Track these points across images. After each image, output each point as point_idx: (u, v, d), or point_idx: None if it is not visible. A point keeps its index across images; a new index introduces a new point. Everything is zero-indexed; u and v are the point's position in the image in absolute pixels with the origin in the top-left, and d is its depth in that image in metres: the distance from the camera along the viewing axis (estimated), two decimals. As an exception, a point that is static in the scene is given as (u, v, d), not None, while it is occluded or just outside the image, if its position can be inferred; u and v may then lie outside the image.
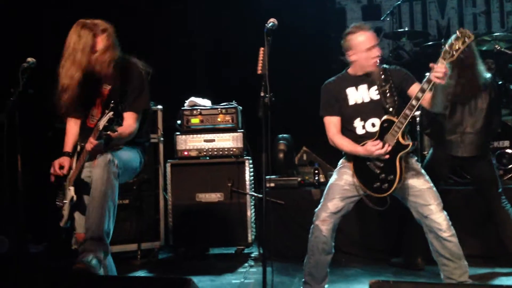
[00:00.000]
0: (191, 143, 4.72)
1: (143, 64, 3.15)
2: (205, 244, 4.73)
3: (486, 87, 3.77)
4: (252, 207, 4.65)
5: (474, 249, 4.00)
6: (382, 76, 3.16)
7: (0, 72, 4.29)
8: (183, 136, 4.73)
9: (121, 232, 4.43)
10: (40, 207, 4.92)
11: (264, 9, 5.53)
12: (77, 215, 3.11)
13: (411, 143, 3.05)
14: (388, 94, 3.12)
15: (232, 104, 4.79)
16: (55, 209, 3.23)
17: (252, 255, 4.61)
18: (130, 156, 3.15)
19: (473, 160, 3.82)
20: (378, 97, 3.17)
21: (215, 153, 4.68)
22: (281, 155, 4.80)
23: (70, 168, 3.14)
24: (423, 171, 3.20)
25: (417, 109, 3.04)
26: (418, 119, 4.40)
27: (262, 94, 2.82)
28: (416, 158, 3.26)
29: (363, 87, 3.21)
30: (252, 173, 4.70)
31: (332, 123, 3.24)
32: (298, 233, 4.27)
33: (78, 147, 3.12)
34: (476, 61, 3.72)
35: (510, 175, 4.50)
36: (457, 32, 2.85)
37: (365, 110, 3.19)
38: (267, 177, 2.81)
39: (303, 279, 3.25)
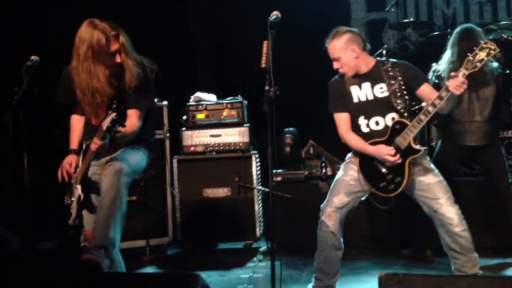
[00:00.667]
0: (197, 139, 4.71)
1: (148, 62, 3.14)
2: (213, 239, 4.73)
3: (493, 75, 3.73)
4: (260, 201, 4.64)
5: (485, 240, 3.98)
6: (390, 73, 3.12)
7: (4, 71, 4.30)
8: (189, 132, 4.73)
9: (129, 228, 4.42)
10: (49, 205, 4.95)
11: (267, 1, 5.50)
12: (85, 212, 3.11)
13: (422, 149, 3.02)
14: (398, 94, 3.08)
15: (238, 99, 4.78)
16: (64, 206, 3.24)
17: (261, 249, 4.61)
18: (137, 158, 3.16)
19: (482, 149, 3.79)
20: (383, 95, 3.12)
21: (222, 148, 4.67)
22: (287, 149, 4.78)
23: (77, 166, 3.13)
24: (432, 165, 3.17)
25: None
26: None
27: (266, 87, 2.80)
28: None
29: (366, 85, 3.18)
30: (259, 168, 4.69)
31: (341, 120, 3.22)
32: (305, 226, 4.27)
33: (84, 145, 3.12)
34: None
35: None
36: (482, 43, 2.82)
37: (369, 108, 3.16)
38: (274, 171, 2.80)
39: (314, 275, 3.23)
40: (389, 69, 3.14)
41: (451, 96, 2.92)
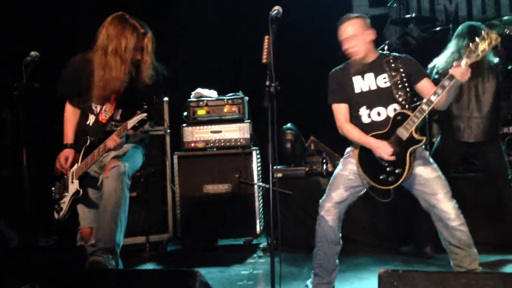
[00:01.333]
0: (197, 135, 4.70)
1: (161, 67, 3.16)
2: (213, 235, 4.73)
3: (492, 70, 3.72)
4: (260, 197, 4.63)
5: (484, 237, 3.97)
6: (392, 65, 3.11)
7: (4, 66, 4.30)
8: (190, 128, 4.72)
9: (129, 224, 4.38)
10: (49, 201, 4.95)
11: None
12: (81, 209, 3.09)
13: (424, 138, 3.01)
14: (400, 86, 3.07)
15: (239, 95, 4.77)
16: (51, 201, 3.19)
17: (261, 245, 4.61)
18: (137, 159, 3.17)
19: (482, 146, 3.77)
20: (386, 85, 3.11)
21: (222, 144, 4.66)
22: (288, 145, 4.77)
23: (73, 161, 3.11)
24: (431, 159, 3.16)
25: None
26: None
27: (267, 83, 2.79)
28: (423, 146, 3.22)
29: (369, 75, 3.16)
30: (259, 164, 4.68)
31: (340, 111, 3.20)
32: (306, 223, 4.26)
33: (88, 141, 3.07)
34: None
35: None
36: (483, 33, 2.84)
37: (371, 98, 3.14)
38: (274, 167, 2.79)
39: (313, 271, 3.23)
40: (391, 61, 3.14)
41: (453, 88, 2.91)
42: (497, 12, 5.87)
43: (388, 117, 3.11)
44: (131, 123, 2.83)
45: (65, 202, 3.03)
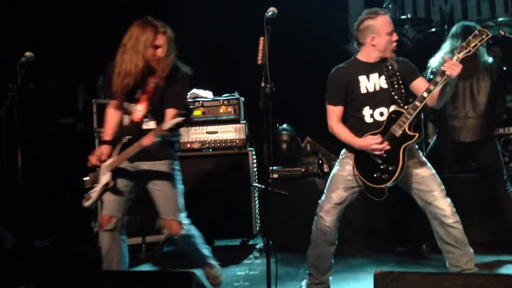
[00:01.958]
0: (193, 135, 4.70)
1: (187, 68, 3.26)
2: (209, 236, 4.70)
3: (487, 70, 3.73)
4: (256, 198, 4.63)
5: (480, 237, 3.98)
6: (390, 67, 3.13)
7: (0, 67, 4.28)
8: (185, 128, 4.71)
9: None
10: (45, 202, 4.94)
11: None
12: (106, 197, 3.23)
13: (417, 135, 3.02)
14: (396, 86, 3.09)
15: (234, 95, 4.76)
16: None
17: (257, 246, 4.61)
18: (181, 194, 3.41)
19: (477, 146, 3.78)
20: (386, 86, 3.13)
21: (218, 145, 4.66)
22: (284, 146, 4.77)
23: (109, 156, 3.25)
24: (424, 158, 3.18)
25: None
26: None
27: (262, 84, 2.79)
28: (417, 146, 3.23)
29: (374, 76, 3.16)
30: (255, 164, 4.68)
31: (334, 111, 3.20)
32: (302, 223, 4.23)
33: (124, 140, 3.19)
34: None
35: (515, 162, 4.45)
36: (476, 30, 2.89)
37: (375, 99, 3.14)
38: (270, 168, 2.79)
39: (307, 271, 3.23)
40: (389, 63, 3.15)
41: (447, 86, 2.93)
42: (492, 14, 5.89)
43: None
44: (167, 125, 2.96)
45: (95, 192, 3.19)
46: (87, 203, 3.21)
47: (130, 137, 3.16)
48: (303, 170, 4.71)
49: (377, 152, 3.02)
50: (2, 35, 5.03)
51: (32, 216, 3.85)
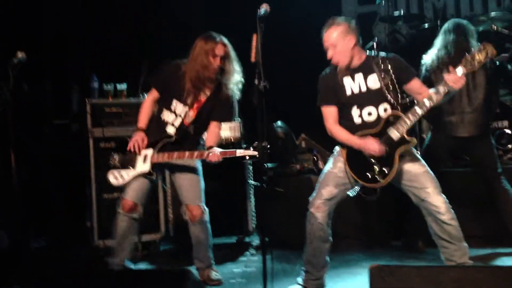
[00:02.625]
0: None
1: (239, 80, 3.47)
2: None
3: (483, 66, 3.75)
4: (252, 195, 4.63)
5: (475, 231, 4.00)
6: (382, 66, 3.12)
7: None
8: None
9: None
10: (40, 202, 4.93)
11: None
12: (135, 184, 3.43)
13: (414, 139, 3.05)
14: (391, 87, 3.09)
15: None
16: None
17: (253, 243, 4.61)
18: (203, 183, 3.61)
19: (473, 140, 3.80)
20: (376, 86, 3.11)
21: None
22: (279, 143, 4.77)
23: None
24: (418, 155, 3.19)
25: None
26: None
27: (256, 81, 2.79)
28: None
29: (359, 76, 3.15)
30: (250, 162, 4.68)
31: (329, 113, 3.20)
32: (298, 220, 4.22)
33: (173, 138, 3.42)
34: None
35: (509, 156, 4.47)
36: (481, 45, 2.94)
37: (362, 99, 3.14)
38: (265, 165, 2.80)
39: (303, 267, 3.25)
40: (380, 62, 3.14)
41: (448, 94, 2.98)
42: (485, 9, 5.91)
43: (379, 117, 3.12)
44: (240, 153, 3.30)
45: (129, 175, 3.41)
46: (116, 182, 3.42)
47: (177, 137, 3.42)
48: (298, 167, 4.72)
49: (374, 153, 3.03)
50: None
51: (27, 216, 3.84)
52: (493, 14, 5.03)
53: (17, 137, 3.26)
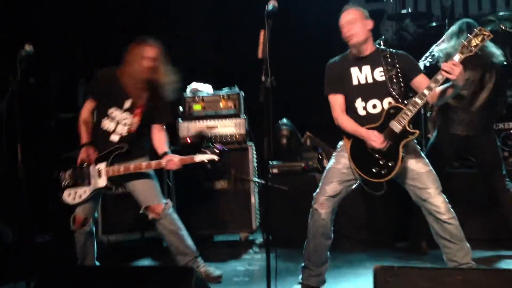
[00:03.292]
0: (193, 130, 4.69)
1: (173, 80, 3.48)
2: (209, 231, 4.72)
3: (494, 67, 3.73)
4: (256, 193, 4.63)
5: (479, 232, 3.99)
6: (389, 60, 3.12)
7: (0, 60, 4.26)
8: (186, 123, 4.71)
9: (125, 220, 4.44)
10: (45, 197, 4.94)
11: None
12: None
13: (417, 131, 3.02)
14: (395, 80, 3.09)
15: (234, 90, 4.75)
16: (60, 194, 3.46)
17: (257, 241, 4.61)
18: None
19: (477, 140, 3.78)
20: (382, 79, 3.12)
21: (218, 139, 4.65)
22: (284, 141, 4.76)
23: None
24: (422, 154, 3.18)
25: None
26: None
27: (263, 78, 2.78)
28: (416, 141, 3.22)
29: (366, 68, 3.16)
30: (255, 159, 4.68)
31: (336, 102, 3.20)
32: (302, 218, 4.21)
33: (124, 149, 3.41)
34: None
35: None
36: (476, 30, 2.90)
37: (367, 91, 3.14)
38: (270, 163, 2.78)
39: (303, 263, 3.25)
40: (388, 56, 3.15)
41: (451, 88, 2.95)
42: (493, 8, 5.87)
43: (383, 110, 3.12)
44: (199, 158, 3.29)
45: (86, 192, 3.38)
46: (73, 201, 3.37)
47: (127, 148, 3.40)
48: (303, 165, 4.70)
49: (377, 147, 3.01)
50: (2, 28, 5.02)
51: (32, 211, 3.85)
52: (501, 13, 5.00)
53: (23, 131, 3.26)
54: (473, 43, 2.87)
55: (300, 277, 3.28)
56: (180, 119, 4.73)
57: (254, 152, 4.67)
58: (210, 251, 4.48)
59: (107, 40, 5.47)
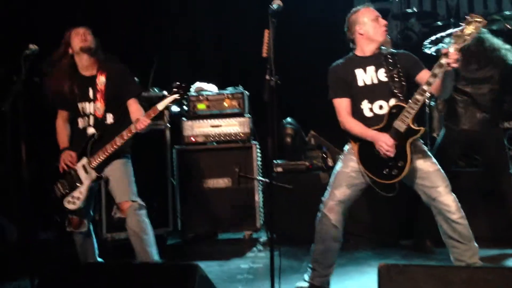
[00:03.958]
0: (197, 129, 4.70)
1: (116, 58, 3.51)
2: (213, 229, 4.73)
3: (502, 64, 3.72)
4: (260, 192, 4.63)
5: (485, 231, 3.97)
6: (390, 60, 3.11)
7: (3, 60, 4.27)
8: (190, 122, 4.71)
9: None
10: (48, 195, 4.94)
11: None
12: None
13: (422, 128, 3.00)
14: (396, 79, 3.07)
15: (239, 89, 4.75)
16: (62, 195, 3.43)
17: (261, 240, 4.61)
18: (132, 175, 3.46)
19: (484, 138, 3.77)
20: (385, 79, 3.11)
21: (222, 138, 4.66)
22: (288, 139, 4.76)
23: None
24: (429, 153, 3.16)
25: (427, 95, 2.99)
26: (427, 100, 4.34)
27: (267, 77, 2.77)
28: (422, 141, 3.21)
29: (371, 69, 3.15)
30: (259, 158, 4.68)
31: (342, 106, 3.17)
32: (306, 217, 4.21)
33: (95, 137, 3.36)
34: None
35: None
36: (467, 18, 2.84)
37: (373, 92, 3.13)
38: (274, 161, 2.78)
39: (310, 265, 3.23)
40: (389, 56, 3.14)
41: (447, 76, 2.90)
42: (499, 7, 5.85)
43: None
44: (162, 105, 3.15)
45: (82, 192, 3.35)
46: (75, 206, 3.36)
47: (99, 133, 3.35)
48: (307, 164, 4.70)
49: (386, 149, 2.99)
50: (6, 28, 5.03)
51: (36, 209, 3.86)
52: (507, 13, 4.99)
53: (27, 130, 3.27)
54: (466, 32, 2.80)
55: (305, 276, 3.27)
56: (184, 118, 4.74)
57: (259, 151, 4.67)
58: (213, 249, 4.50)
59: (107, 40, 5.48)
